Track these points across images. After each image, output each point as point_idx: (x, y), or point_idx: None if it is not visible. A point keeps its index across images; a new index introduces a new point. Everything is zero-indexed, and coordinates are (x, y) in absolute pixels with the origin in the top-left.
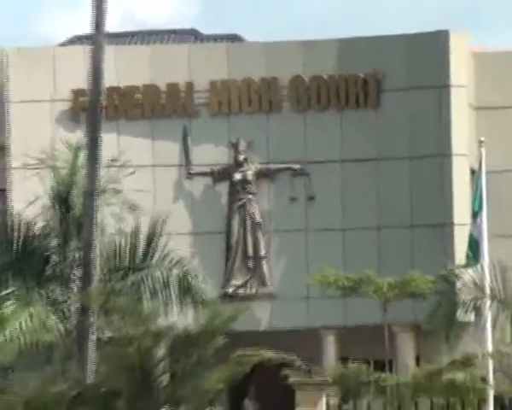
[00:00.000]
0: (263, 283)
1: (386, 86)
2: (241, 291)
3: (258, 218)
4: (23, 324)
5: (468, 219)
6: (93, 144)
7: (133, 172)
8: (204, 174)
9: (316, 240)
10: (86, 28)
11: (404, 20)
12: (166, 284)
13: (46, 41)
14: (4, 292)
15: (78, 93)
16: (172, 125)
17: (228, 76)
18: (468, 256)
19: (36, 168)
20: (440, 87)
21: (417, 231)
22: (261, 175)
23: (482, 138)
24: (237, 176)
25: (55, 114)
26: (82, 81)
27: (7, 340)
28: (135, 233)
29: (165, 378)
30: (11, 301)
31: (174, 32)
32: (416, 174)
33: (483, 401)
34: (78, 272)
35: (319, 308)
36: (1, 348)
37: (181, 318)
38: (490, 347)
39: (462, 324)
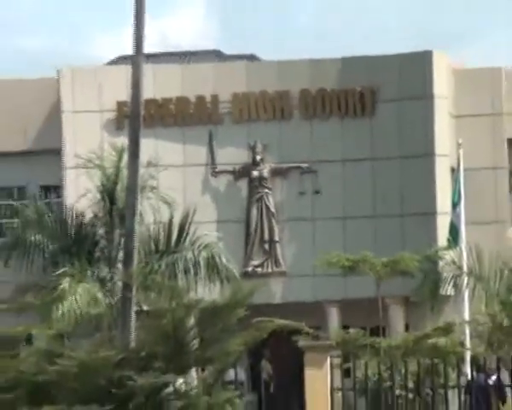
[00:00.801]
0: (277, 263)
1: (380, 98)
2: (258, 270)
3: (272, 208)
4: (77, 298)
5: (448, 208)
6: (134, 147)
7: (165, 169)
8: (227, 172)
9: (321, 227)
10: (128, 49)
11: (395, 40)
12: (196, 264)
13: (95, 60)
14: (61, 271)
15: (121, 104)
16: (200, 131)
17: (247, 89)
18: (448, 240)
19: (86, 168)
20: (425, 98)
21: (406, 219)
22: (275, 173)
23: (460, 141)
24: (255, 173)
25: (103, 122)
26: (125, 94)
27: (64, 312)
28: (169, 222)
29: (195, 343)
30: (67, 279)
31: (201, 52)
32: (405, 172)
33: (461, 361)
34: (121, 255)
35: (324, 284)
36: (59, 319)
37: (208, 292)
38: (467, 316)
39: (443, 297)
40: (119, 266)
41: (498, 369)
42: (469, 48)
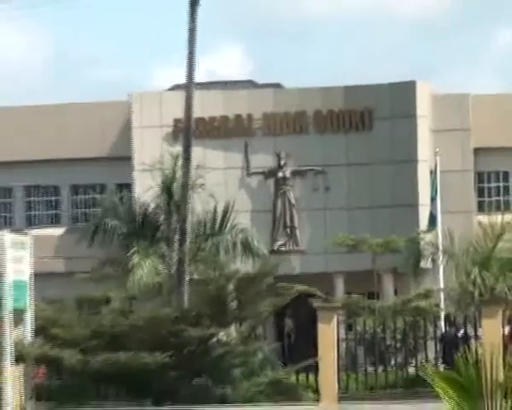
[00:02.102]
0: (296, 243)
1: (376, 117)
2: (282, 249)
3: (293, 201)
4: (144, 270)
5: (428, 201)
6: (186, 154)
7: (210, 171)
8: (258, 173)
9: (330, 215)
10: (182, 79)
11: (387, 71)
12: (234, 244)
13: (157, 87)
14: (131, 251)
15: (177, 121)
16: (237, 142)
17: (274, 110)
18: (428, 225)
19: (150, 170)
20: (410, 117)
21: (396, 209)
22: (295, 174)
23: (437, 150)
24: (279, 174)
25: (163, 135)
26: (180, 113)
27: (134, 280)
28: (213, 211)
29: (234, 305)
30: (136, 256)
31: (238, 82)
32: (395, 173)
33: (437, 318)
34: (176, 237)
35: (332, 259)
36: (131, 287)
37: (243, 266)
38: (441, 284)
39: (423, 269)
40: (176, 245)
41: (465, 324)
42: (445, 76)
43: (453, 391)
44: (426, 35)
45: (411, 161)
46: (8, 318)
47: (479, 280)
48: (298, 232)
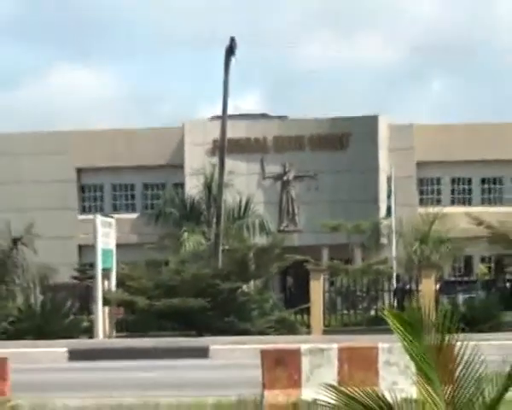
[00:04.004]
0: (296, 225)
1: (351, 140)
2: (286, 229)
3: (294, 196)
4: (191, 242)
5: (385, 198)
6: (221, 164)
7: (237, 176)
8: (270, 177)
9: (319, 207)
10: (218, 112)
11: (358, 106)
12: (253, 225)
13: (201, 116)
14: (183, 229)
15: (215, 141)
16: (256, 156)
17: (281, 134)
18: (385, 214)
19: (196, 174)
20: (374, 140)
21: (363, 203)
22: (295, 178)
23: (391, 163)
24: (285, 178)
25: (205, 150)
26: (217, 135)
27: (184, 249)
28: (239, 202)
29: (253, 266)
30: (186, 233)
31: (256, 114)
32: (364, 178)
33: (391, 276)
34: (214, 220)
35: (321, 236)
36: (182, 254)
37: (260, 240)
38: (394, 254)
39: (382, 244)
40: (213, 225)
41: (410, 281)
42: (398, 110)
43: (402, 327)
44: (386, 79)
45: (375, 170)
46: (99, 275)
47: (419, 252)
48: (297, 218)
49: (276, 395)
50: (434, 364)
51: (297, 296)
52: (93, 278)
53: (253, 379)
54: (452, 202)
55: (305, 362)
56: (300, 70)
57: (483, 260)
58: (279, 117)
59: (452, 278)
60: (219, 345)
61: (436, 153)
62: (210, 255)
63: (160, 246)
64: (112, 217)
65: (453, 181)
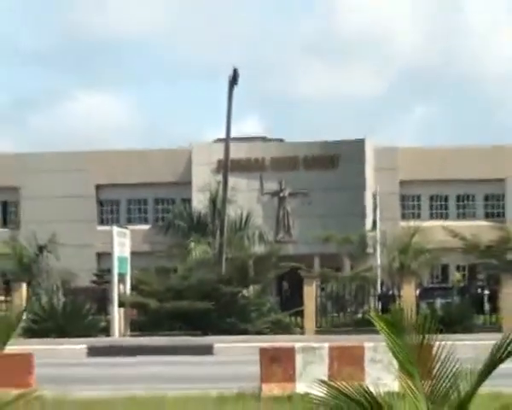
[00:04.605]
0: (290, 236)
1: (341, 160)
2: (282, 239)
3: (289, 210)
4: (197, 252)
5: (371, 212)
6: (224, 181)
7: (239, 192)
8: (268, 193)
9: (312, 220)
10: (222, 134)
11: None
12: (253, 236)
13: (207, 139)
14: (190, 240)
15: (219, 161)
16: (255, 175)
17: (278, 155)
18: (371, 227)
19: (202, 190)
20: (361, 162)
21: (352, 217)
22: (290, 195)
23: (377, 184)
24: (281, 195)
25: (211, 169)
26: (221, 156)
27: (191, 258)
28: (240, 216)
29: (252, 272)
30: (192, 243)
31: (256, 137)
32: (352, 195)
33: (376, 283)
34: (218, 231)
35: (313, 246)
36: (189, 261)
37: (258, 249)
38: (379, 263)
39: (368, 254)
40: (217, 236)
41: (393, 287)
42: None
43: (387, 328)
44: (372, 105)
45: (362, 187)
46: (115, 279)
47: (401, 260)
48: (292, 230)
49: (272, 388)
50: (415, 361)
51: (292, 300)
52: (110, 282)
53: (252, 374)
54: (431, 217)
55: (299, 359)
56: (296, 98)
57: (458, 268)
58: (276, 140)
59: (431, 285)
60: (223, 343)
61: (417, 173)
62: (214, 263)
63: (169, 254)
64: (127, 228)
65: (432, 198)
